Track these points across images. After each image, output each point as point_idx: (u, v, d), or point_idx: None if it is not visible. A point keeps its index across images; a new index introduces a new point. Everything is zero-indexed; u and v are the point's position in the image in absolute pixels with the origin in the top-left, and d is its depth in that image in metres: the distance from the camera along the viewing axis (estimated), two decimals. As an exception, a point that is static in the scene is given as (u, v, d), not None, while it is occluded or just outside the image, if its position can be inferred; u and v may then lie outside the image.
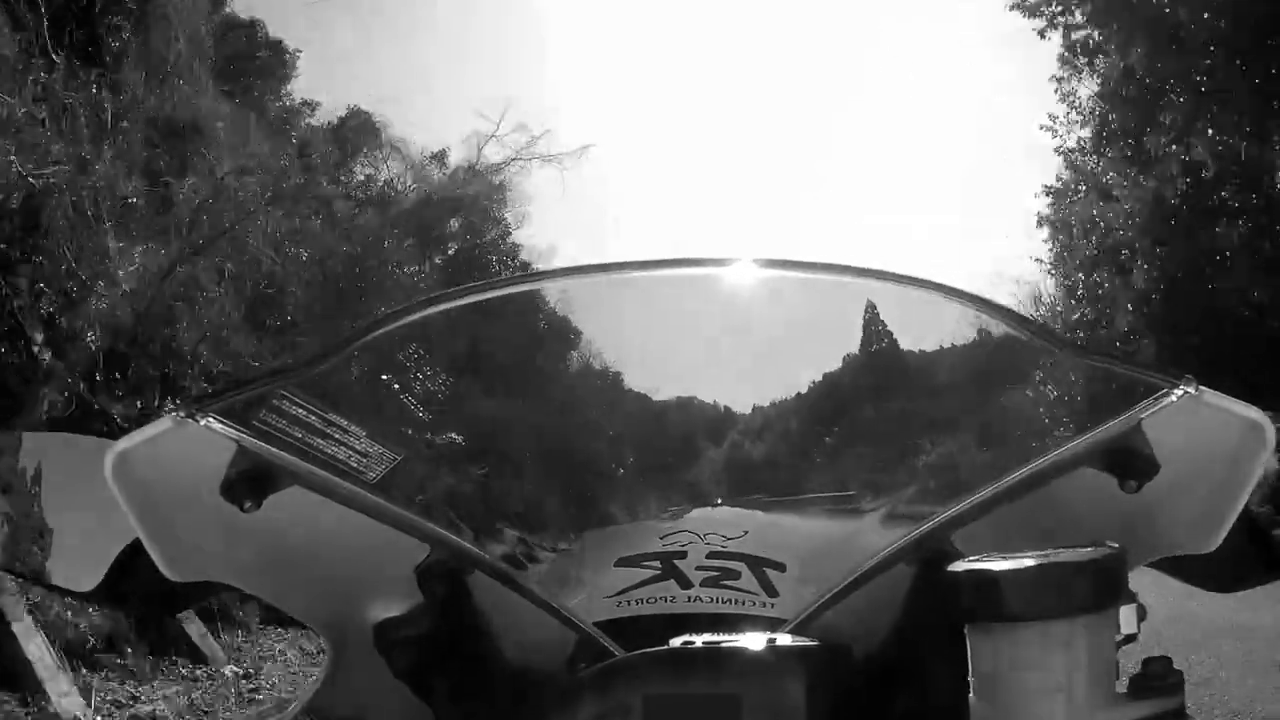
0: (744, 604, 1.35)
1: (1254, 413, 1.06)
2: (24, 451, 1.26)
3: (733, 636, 1.18)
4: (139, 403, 9.91)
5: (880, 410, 1.52)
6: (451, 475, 1.39)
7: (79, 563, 1.22)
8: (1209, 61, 19.46)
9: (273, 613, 7.71)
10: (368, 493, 1.18)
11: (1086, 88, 23.36)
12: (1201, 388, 1.07)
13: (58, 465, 1.22)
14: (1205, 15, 19.13)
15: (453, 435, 1.41)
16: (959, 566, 0.94)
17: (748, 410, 1.51)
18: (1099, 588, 0.88)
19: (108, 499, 1.06)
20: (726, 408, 1.51)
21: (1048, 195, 25.87)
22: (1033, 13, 23.04)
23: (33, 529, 1.24)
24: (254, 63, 19.56)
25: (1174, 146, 19.75)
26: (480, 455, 1.46)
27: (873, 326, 1.38)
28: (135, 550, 1.12)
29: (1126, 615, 0.89)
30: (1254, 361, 16.36)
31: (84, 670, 6.41)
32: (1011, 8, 23.06)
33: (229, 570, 1.19)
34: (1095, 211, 22.57)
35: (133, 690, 6.50)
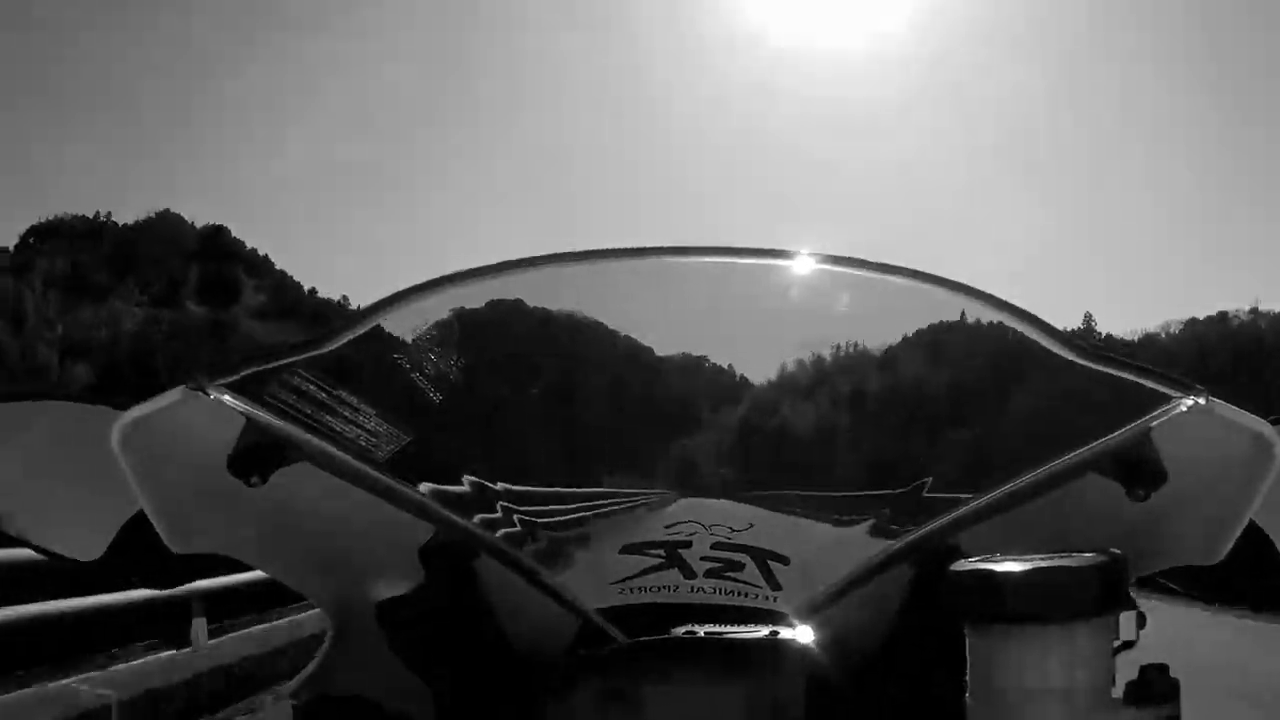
0: (747, 596, 1.35)
1: (1263, 426, 1.05)
2: (33, 419, 1.26)
3: (734, 628, 1.18)
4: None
5: (894, 409, 1.51)
6: (459, 456, 1.38)
7: (84, 532, 1.23)
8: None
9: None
10: (374, 471, 1.19)
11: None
12: (1212, 399, 1.06)
13: (66, 433, 1.23)
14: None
15: (464, 416, 1.41)
16: (960, 566, 0.94)
17: (766, 401, 1.50)
18: (1098, 593, 0.88)
19: (115, 469, 1.06)
20: (746, 397, 1.50)
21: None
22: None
23: (39, 496, 1.26)
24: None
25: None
26: (490, 436, 1.46)
27: (897, 326, 1.37)
28: (139, 521, 1.13)
29: (1126, 621, 0.89)
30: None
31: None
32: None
33: (232, 544, 1.20)
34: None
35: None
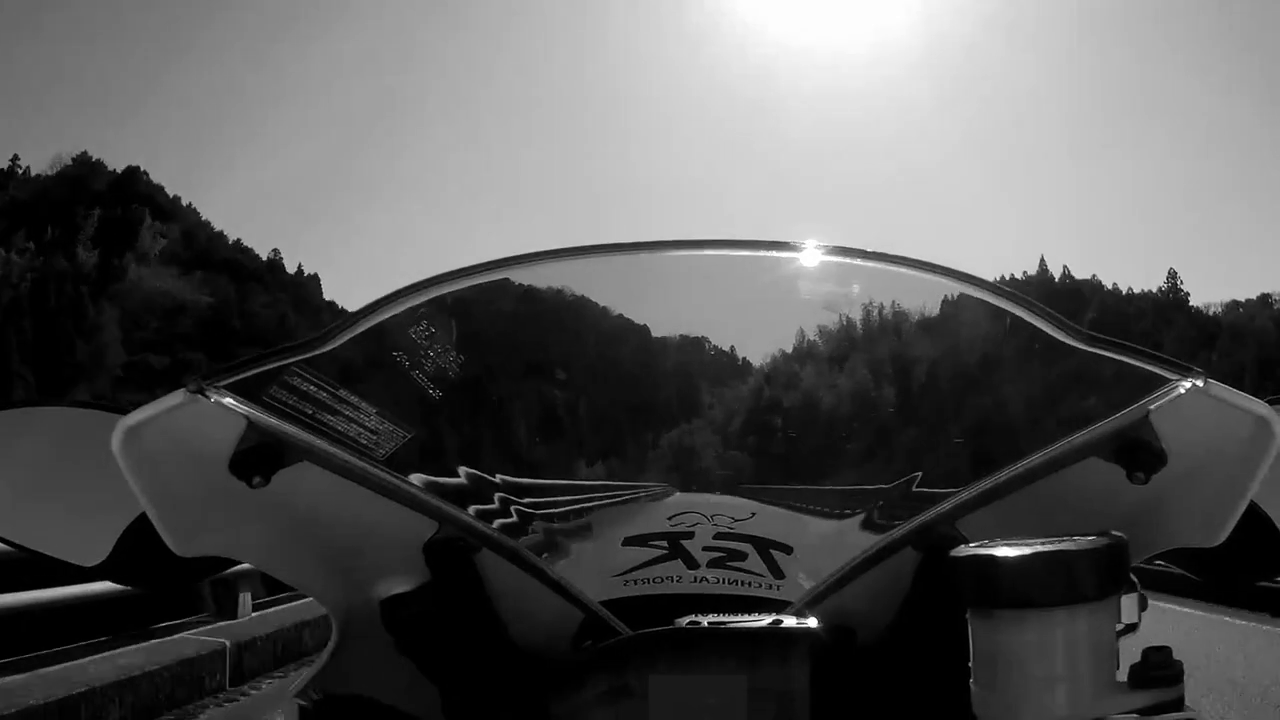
0: (750, 585, 1.36)
1: (1261, 407, 1.05)
2: (34, 424, 1.24)
3: (738, 617, 1.20)
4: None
5: (893, 397, 1.51)
6: (461, 452, 1.37)
7: (86, 536, 1.21)
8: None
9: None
10: (377, 469, 1.18)
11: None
12: (1210, 381, 1.06)
13: (68, 438, 1.21)
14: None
15: (464, 410, 1.40)
16: (962, 552, 0.95)
17: (763, 394, 1.49)
18: (1100, 576, 0.89)
19: (117, 473, 1.05)
20: (744, 389, 1.50)
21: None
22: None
23: (41, 502, 1.23)
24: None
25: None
26: (490, 429, 1.45)
27: (893, 314, 1.38)
28: (141, 524, 1.11)
29: (1128, 604, 0.90)
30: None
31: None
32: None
33: (236, 545, 1.19)
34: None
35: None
